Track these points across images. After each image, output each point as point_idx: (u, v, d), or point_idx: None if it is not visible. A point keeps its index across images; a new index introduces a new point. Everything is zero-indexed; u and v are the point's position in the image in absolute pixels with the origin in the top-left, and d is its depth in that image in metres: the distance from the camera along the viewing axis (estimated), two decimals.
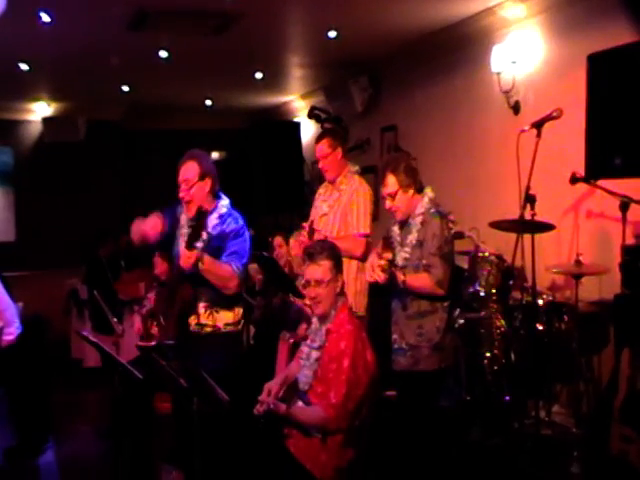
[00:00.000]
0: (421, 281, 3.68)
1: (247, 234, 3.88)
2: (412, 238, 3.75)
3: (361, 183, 4.60)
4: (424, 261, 3.69)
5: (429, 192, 3.82)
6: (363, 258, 4.44)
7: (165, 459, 4.64)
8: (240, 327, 3.93)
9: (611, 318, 4.29)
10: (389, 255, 3.59)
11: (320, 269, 3.47)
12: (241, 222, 3.87)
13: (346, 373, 3.30)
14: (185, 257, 3.65)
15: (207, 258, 3.67)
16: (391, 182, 3.78)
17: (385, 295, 3.91)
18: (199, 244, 3.75)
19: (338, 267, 3.51)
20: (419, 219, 3.75)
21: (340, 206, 4.54)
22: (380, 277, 3.62)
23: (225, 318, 3.84)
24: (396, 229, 3.89)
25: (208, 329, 3.82)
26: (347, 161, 4.70)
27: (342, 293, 3.57)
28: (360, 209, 4.49)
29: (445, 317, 3.75)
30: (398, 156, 3.97)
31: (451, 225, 3.78)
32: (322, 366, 3.43)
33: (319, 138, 4.73)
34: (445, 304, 3.76)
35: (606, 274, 4.41)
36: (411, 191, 3.78)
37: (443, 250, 3.68)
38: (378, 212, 4.81)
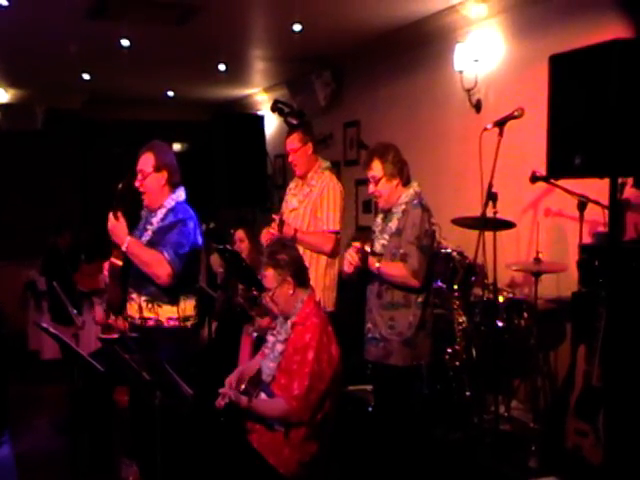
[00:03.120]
0: (395, 269, 3.65)
1: (188, 227, 3.83)
2: (392, 226, 3.74)
3: (331, 179, 4.59)
4: (401, 250, 3.66)
5: (415, 186, 3.82)
6: (332, 254, 4.48)
7: (124, 453, 4.61)
8: (188, 324, 3.88)
9: (568, 315, 4.38)
10: (358, 245, 3.64)
11: (265, 279, 3.54)
12: (181, 215, 3.84)
13: (310, 366, 3.32)
14: (109, 221, 3.73)
15: (132, 240, 3.72)
16: (376, 167, 3.77)
17: (355, 290, 3.93)
18: (147, 232, 3.82)
19: (283, 272, 3.48)
20: (401, 208, 3.74)
21: (310, 201, 4.54)
22: (354, 259, 3.65)
23: (168, 312, 3.80)
24: (379, 220, 3.89)
25: (151, 322, 3.80)
26: (318, 157, 4.68)
27: (307, 286, 3.58)
28: (330, 205, 4.49)
29: (419, 314, 3.69)
30: (388, 145, 3.87)
31: (433, 221, 3.77)
32: (286, 357, 3.45)
33: (290, 132, 4.72)
34: (419, 299, 3.70)
35: (564, 272, 4.50)
36: (395, 182, 3.77)
37: (421, 241, 3.65)
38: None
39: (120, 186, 3.82)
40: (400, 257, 3.66)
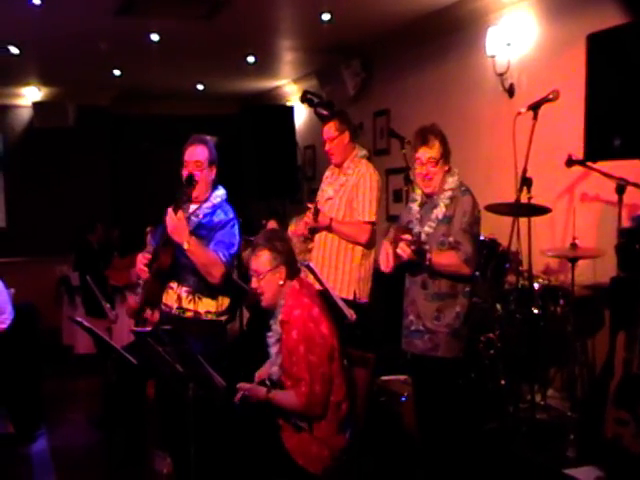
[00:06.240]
0: (448, 258, 3.48)
1: (236, 227, 3.85)
2: (438, 213, 3.57)
3: (368, 168, 4.51)
4: (451, 238, 3.50)
5: (457, 172, 3.65)
6: (367, 245, 4.44)
7: (158, 445, 4.62)
8: (224, 319, 3.89)
9: (606, 301, 4.28)
10: (408, 237, 3.40)
11: (257, 260, 3.41)
12: (231, 215, 3.85)
13: (304, 360, 3.25)
14: (170, 219, 3.64)
15: (193, 239, 3.67)
16: (437, 147, 3.57)
17: (388, 281, 3.82)
18: (191, 222, 3.77)
19: (278, 258, 3.39)
20: (448, 194, 3.57)
21: (346, 191, 4.48)
22: (406, 252, 3.41)
23: (207, 306, 3.81)
24: (416, 207, 3.72)
25: (189, 314, 3.81)
26: (355, 145, 4.60)
27: (289, 278, 3.45)
28: (366, 195, 4.41)
29: (466, 304, 3.57)
30: (436, 125, 3.68)
31: (480, 208, 3.61)
32: (284, 359, 3.39)
33: (326, 120, 4.66)
34: (467, 289, 3.58)
35: (601, 257, 4.40)
36: (447, 166, 3.62)
37: (473, 229, 3.52)
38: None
39: (191, 189, 3.75)
40: (449, 245, 3.50)
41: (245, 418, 3.42)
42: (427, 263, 3.46)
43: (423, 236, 3.55)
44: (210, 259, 3.69)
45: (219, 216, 3.83)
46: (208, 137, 3.98)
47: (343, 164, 4.56)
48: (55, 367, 7.28)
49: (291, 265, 3.46)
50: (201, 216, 3.84)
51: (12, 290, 5.48)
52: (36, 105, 9.46)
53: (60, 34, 6.48)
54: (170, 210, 3.66)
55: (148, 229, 5.67)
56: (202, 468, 3.29)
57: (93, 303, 6.34)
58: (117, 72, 8.31)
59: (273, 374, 3.49)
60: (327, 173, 4.74)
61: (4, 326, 5.03)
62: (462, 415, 3.64)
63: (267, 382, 3.46)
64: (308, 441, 3.30)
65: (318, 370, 3.26)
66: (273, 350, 3.49)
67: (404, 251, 3.42)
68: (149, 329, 3.65)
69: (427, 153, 3.58)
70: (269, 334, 3.54)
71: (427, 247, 3.47)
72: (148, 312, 4.10)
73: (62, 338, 8.29)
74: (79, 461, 5.01)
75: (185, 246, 3.63)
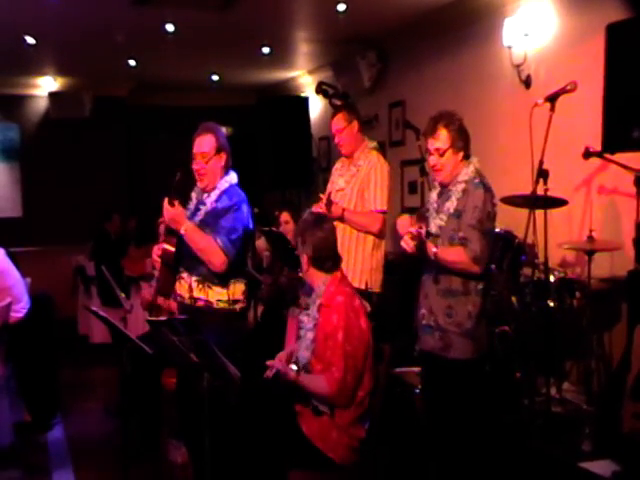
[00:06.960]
0: (455, 255, 3.34)
1: (242, 211, 3.82)
2: (450, 206, 3.42)
3: (379, 159, 4.57)
4: (460, 234, 3.35)
5: (476, 162, 3.49)
6: (379, 235, 4.49)
7: (173, 435, 4.65)
8: (237, 307, 3.88)
9: (624, 295, 4.25)
10: (413, 230, 3.30)
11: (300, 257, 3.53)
12: (236, 199, 3.83)
13: (342, 347, 3.27)
14: (166, 209, 3.72)
15: (190, 224, 3.71)
16: (443, 137, 3.42)
17: (401, 271, 3.80)
18: (200, 212, 3.82)
19: (302, 246, 3.48)
20: (461, 187, 3.41)
21: (357, 181, 4.53)
22: (409, 245, 3.31)
23: (218, 294, 3.81)
24: (434, 196, 3.59)
25: (201, 303, 3.81)
26: (364, 137, 4.67)
27: (329, 271, 3.50)
28: (377, 185, 4.47)
29: (479, 302, 3.39)
30: (453, 112, 3.50)
31: (495, 202, 3.46)
32: (318, 344, 3.40)
33: (335, 112, 4.70)
34: (479, 287, 3.41)
35: (618, 251, 4.37)
36: (461, 154, 3.44)
37: (484, 225, 3.33)
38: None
39: (178, 176, 3.79)
40: (459, 241, 3.37)
41: (261, 406, 3.43)
42: (432, 258, 3.37)
43: (435, 229, 3.47)
44: (208, 246, 3.70)
45: (223, 202, 3.82)
46: (216, 125, 3.96)
47: (353, 155, 4.61)
48: (71, 356, 7.32)
49: (319, 257, 3.47)
50: (208, 205, 3.86)
51: (28, 279, 5.51)
52: (52, 95, 9.48)
53: (76, 24, 6.49)
54: (165, 200, 3.71)
55: (160, 220, 5.69)
56: (218, 458, 3.29)
57: (109, 293, 6.38)
58: (132, 62, 8.30)
59: (302, 359, 3.48)
60: (337, 165, 4.81)
61: (20, 315, 5.05)
62: (475, 410, 3.57)
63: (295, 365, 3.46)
64: (328, 426, 3.31)
65: (352, 361, 3.28)
66: (308, 336, 3.47)
67: (407, 244, 3.34)
68: (164, 318, 3.66)
69: (433, 143, 3.46)
70: (305, 319, 3.55)
71: (440, 241, 3.40)
72: (161, 299, 4.13)
73: (78, 328, 8.35)
74: (95, 449, 5.06)
75: (182, 231, 3.69)
